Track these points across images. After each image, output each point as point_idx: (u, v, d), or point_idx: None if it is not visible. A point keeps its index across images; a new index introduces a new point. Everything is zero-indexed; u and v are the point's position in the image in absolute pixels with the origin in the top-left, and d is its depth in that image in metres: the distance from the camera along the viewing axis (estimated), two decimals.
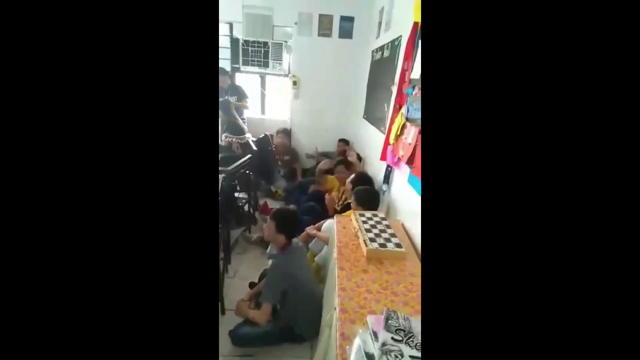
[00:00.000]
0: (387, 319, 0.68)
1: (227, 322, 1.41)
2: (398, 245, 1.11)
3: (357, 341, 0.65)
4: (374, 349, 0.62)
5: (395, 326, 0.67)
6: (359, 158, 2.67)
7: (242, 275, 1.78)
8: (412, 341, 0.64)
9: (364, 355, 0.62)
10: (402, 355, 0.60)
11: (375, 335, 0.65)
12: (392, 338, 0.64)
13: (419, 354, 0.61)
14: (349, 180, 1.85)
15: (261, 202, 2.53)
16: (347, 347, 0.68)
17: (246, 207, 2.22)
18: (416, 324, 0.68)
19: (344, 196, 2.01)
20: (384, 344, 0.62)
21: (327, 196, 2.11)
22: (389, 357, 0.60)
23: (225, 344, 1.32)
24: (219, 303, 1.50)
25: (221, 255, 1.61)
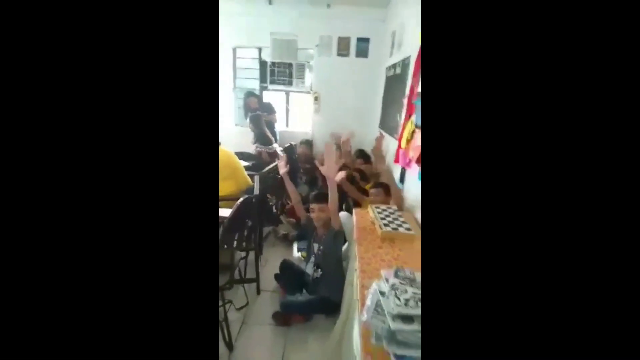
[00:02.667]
0: (396, 272, 0.90)
1: (262, 300, 1.70)
2: (409, 229, 1.32)
3: (373, 286, 0.88)
4: (386, 288, 0.84)
5: (403, 276, 0.89)
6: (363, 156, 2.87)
7: (271, 264, 2.04)
8: (414, 284, 0.85)
9: (379, 293, 0.84)
10: (406, 291, 0.82)
11: (386, 280, 0.87)
12: (400, 282, 0.86)
13: (419, 292, 0.82)
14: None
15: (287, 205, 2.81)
16: (366, 291, 0.90)
17: (274, 209, 2.50)
18: (418, 276, 0.89)
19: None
20: (393, 285, 0.84)
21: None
22: (396, 292, 0.82)
23: (265, 317, 1.60)
24: (256, 284, 1.76)
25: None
